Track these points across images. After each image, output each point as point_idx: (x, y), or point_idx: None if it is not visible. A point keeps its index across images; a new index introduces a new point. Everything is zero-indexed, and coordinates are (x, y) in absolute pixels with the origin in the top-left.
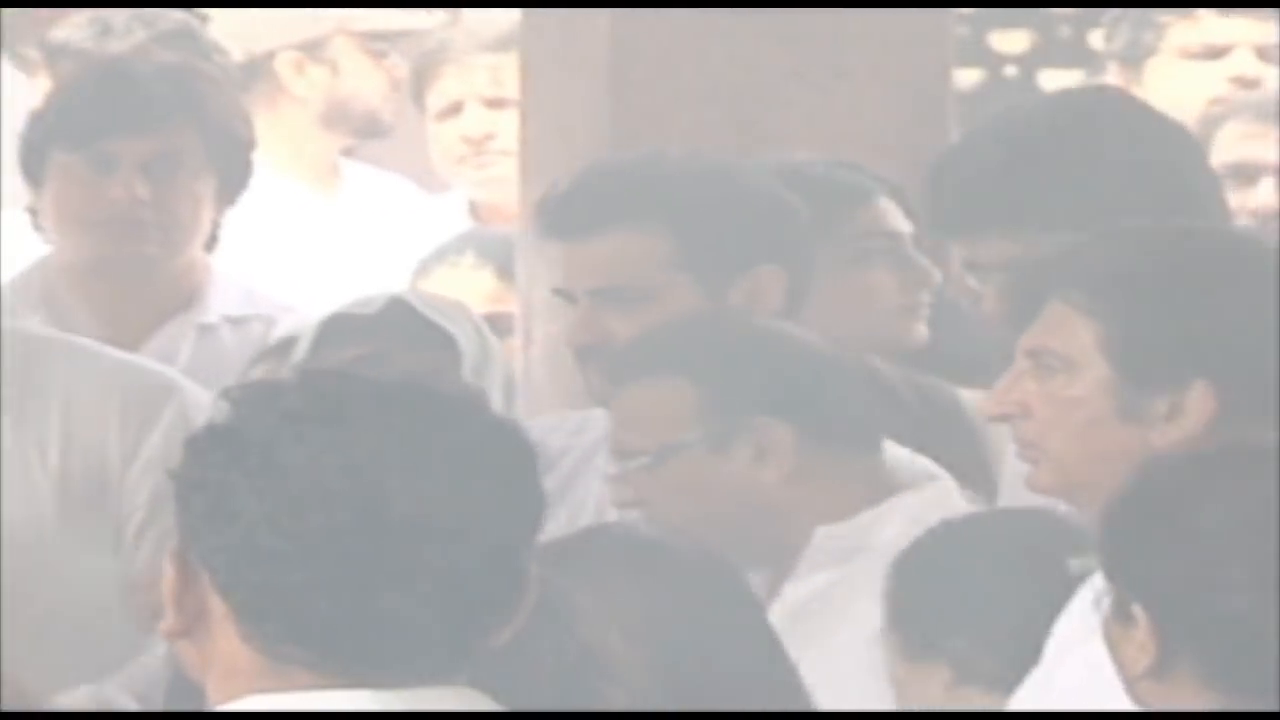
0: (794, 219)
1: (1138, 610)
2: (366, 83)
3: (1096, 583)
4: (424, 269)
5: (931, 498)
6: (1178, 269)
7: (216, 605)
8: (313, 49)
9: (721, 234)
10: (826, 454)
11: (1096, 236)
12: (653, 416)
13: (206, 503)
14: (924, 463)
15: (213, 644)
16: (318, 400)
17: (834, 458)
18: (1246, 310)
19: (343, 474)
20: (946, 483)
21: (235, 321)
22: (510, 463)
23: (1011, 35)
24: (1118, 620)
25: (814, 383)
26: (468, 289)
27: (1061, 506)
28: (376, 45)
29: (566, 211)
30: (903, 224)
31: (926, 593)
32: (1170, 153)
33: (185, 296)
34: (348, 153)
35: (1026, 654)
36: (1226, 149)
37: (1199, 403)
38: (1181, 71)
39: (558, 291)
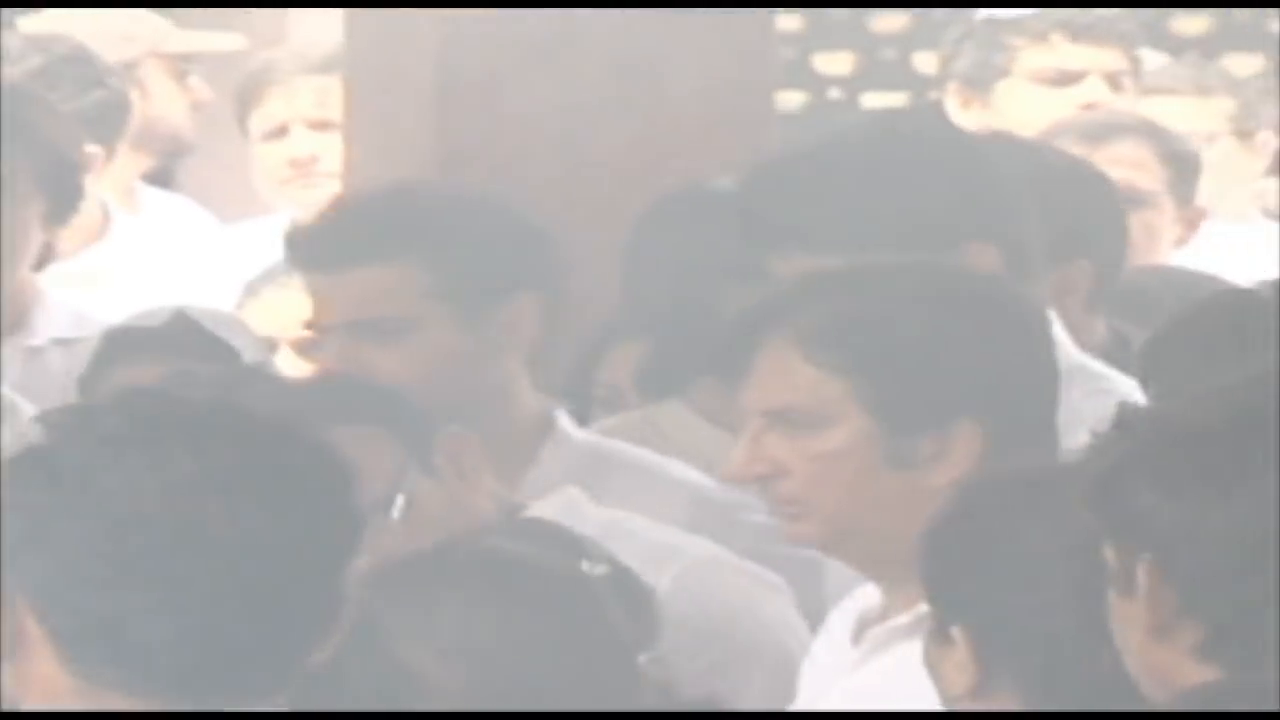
0: (550, 246)
1: (957, 632)
2: (172, 105)
3: (847, 610)
4: (252, 290)
5: (550, 507)
6: (918, 308)
7: (33, 629)
8: (124, 71)
9: (478, 264)
10: None
11: (818, 279)
12: None
13: (22, 526)
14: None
15: (31, 668)
16: (135, 423)
17: None
18: (1000, 343)
19: (160, 497)
20: (573, 492)
21: (63, 344)
22: (326, 484)
23: (835, 57)
24: (936, 641)
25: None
26: (295, 310)
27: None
28: (183, 67)
29: (317, 245)
30: None
31: None
32: (986, 177)
33: (12, 319)
34: (158, 174)
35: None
36: None
37: (965, 441)
38: (1032, 96)
39: (309, 325)
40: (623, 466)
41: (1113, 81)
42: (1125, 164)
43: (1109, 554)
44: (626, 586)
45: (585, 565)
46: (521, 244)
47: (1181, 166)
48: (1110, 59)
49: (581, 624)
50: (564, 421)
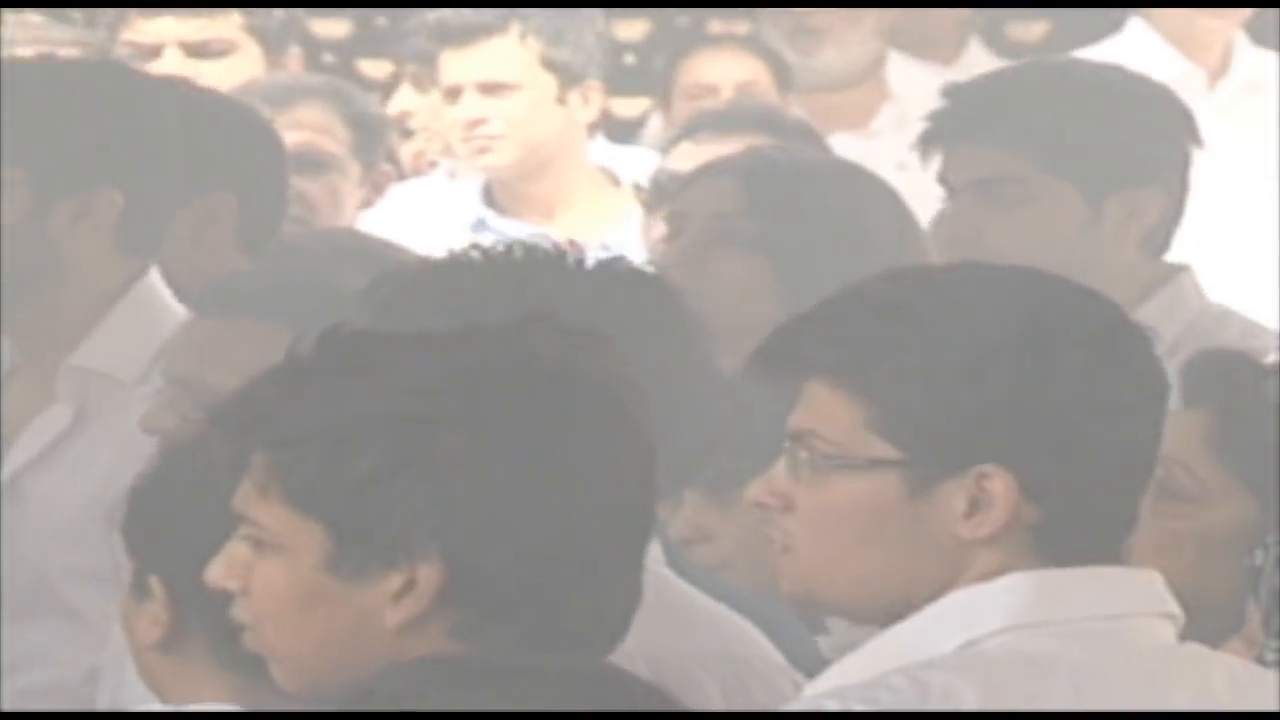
0: None
1: (155, 582)
2: None
3: None
4: None
5: None
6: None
7: None
8: None
9: None
10: None
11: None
12: None
13: None
14: None
15: None
16: None
17: None
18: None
19: None
20: None
21: None
22: None
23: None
24: (134, 594)
25: None
26: None
27: None
28: None
29: None
30: None
31: None
32: (123, 127)
33: None
34: None
35: None
36: None
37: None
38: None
39: None
40: None
41: (192, 50)
42: (308, 127)
43: None
44: None
45: None
46: None
47: (367, 130)
48: (190, 29)
49: None
50: None
